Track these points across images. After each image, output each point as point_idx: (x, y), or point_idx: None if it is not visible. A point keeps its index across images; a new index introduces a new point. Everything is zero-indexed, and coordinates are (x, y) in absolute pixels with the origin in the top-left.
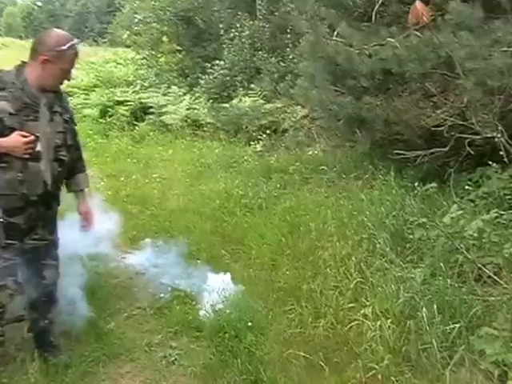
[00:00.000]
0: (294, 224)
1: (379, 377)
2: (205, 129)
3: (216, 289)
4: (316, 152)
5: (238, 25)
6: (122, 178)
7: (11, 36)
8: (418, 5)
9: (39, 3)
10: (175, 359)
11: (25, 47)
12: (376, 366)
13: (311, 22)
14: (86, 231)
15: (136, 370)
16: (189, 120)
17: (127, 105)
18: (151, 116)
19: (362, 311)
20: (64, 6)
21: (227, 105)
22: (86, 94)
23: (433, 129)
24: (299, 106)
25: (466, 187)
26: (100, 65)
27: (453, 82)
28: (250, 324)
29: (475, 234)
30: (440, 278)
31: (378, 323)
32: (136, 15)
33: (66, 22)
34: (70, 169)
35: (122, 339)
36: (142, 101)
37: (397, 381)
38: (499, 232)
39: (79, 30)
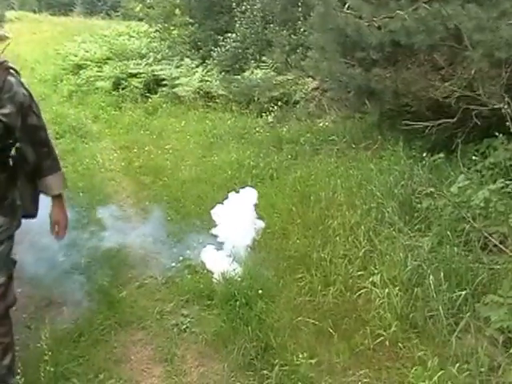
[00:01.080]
0: (304, 193)
1: (387, 343)
2: (217, 100)
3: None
4: (326, 123)
5: None
6: (135, 149)
7: (24, 10)
8: None
9: None
10: (187, 327)
11: (38, 20)
12: (384, 333)
13: None
14: (59, 239)
15: (148, 337)
16: (201, 92)
17: (140, 77)
18: (164, 88)
19: (370, 279)
20: None
21: (239, 76)
22: (99, 67)
23: (441, 100)
24: (310, 78)
25: (473, 158)
26: (113, 38)
27: (460, 54)
28: (260, 292)
29: (482, 204)
30: (447, 246)
31: (386, 291)
32: None
33: None
34: (37, 169)
35: (134, 307)
36: (155, 73)
37: (404, 347)
38: (505, 202)
39: (92, 4)
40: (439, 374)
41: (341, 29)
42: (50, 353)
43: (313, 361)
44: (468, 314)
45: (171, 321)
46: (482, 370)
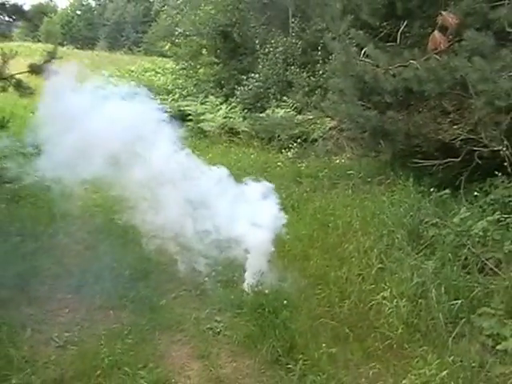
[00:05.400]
0: (323, 222)
1: (394, 346)
2: (240, 136)
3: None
4: (343, 160)
5: (272, 41)
6: None
7: (51, 43)
8: (437, 34)
9: (78, 12)
10: (220, 330)
11: (65, 54)
12: (392, 335)
13: (343, 44)
14: None
15: (186, 338)
16: (225, 127)
17: (166, 112)
18: (189, 123)
19: (381, 294)
20: (102, 15)
21: (263, 114)
22: None
23: (448, 142)
24: (328, 118)
25: (476, 194)
26: (139, 73)
27: (466, 101)
28: (285, 303)
29: (480, 233)
30: (448, 267)
31: (395, 303)
32: (177, 28)
33: (103, 30)
34: None
35: (172, 314)
36: (181, 108)
37: (409, 347)
38: (501, 231)
39: (115, 39)
40: (436, 362)
41: (360, 75)
42: (104, 346)
43: (332, 351)
44: (463, 320)
45: (206, 325)
46: (474, 364)
